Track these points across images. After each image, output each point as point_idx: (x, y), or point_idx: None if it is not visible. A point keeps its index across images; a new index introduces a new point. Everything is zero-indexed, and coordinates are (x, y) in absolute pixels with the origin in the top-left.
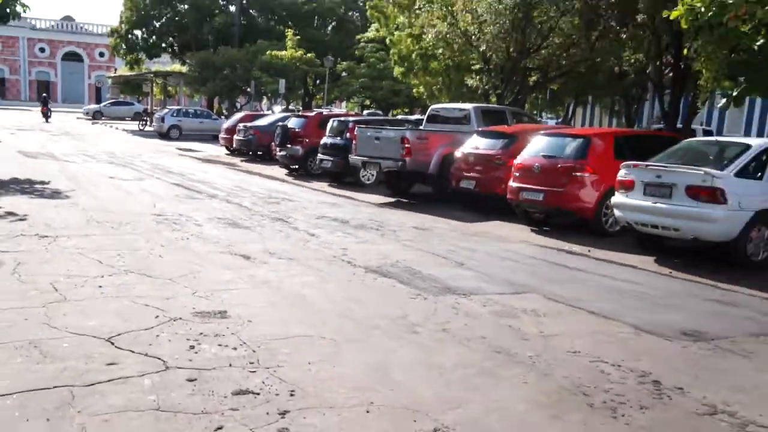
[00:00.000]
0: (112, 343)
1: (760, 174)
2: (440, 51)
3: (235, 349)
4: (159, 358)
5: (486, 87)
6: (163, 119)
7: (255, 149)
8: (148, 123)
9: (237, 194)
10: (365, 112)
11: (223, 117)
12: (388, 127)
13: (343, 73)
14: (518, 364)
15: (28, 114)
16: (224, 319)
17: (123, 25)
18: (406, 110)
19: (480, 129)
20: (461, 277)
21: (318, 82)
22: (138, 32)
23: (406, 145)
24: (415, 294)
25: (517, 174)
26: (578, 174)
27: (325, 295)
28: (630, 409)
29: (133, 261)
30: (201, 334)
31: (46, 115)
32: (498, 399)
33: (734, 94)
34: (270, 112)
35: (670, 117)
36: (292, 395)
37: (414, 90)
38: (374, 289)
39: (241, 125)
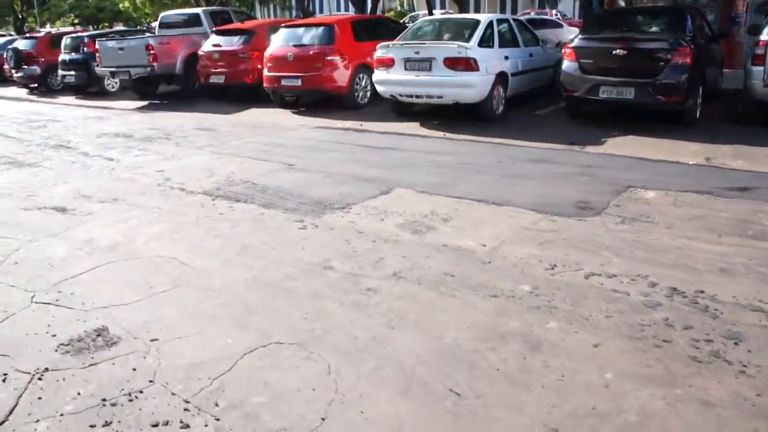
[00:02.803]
0: None
1: (491, 43)
2: None
3: (187, 427)
4: None
5: None
6: None
7: None
8: None
9: None
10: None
11: None
12: (130, 37)
13: None
14: (538, 311)
15: None
16: (113, 346)
17: None
18: (107, 24)
19: (216, 29)
20: (312, 184)
21: (25, 7)
22: None
23: (152, 52)
24: (298, 221)
25: (271, 64)
26: (330, 57)
27: (201, 252)
28: (721, 345)
29: None
30: (104, 401)
31: None
32: (606, 397)
33: None
34: None
35: (357, 4)
36: None
37: (120, 5)
38: (247, 225)
39: None
